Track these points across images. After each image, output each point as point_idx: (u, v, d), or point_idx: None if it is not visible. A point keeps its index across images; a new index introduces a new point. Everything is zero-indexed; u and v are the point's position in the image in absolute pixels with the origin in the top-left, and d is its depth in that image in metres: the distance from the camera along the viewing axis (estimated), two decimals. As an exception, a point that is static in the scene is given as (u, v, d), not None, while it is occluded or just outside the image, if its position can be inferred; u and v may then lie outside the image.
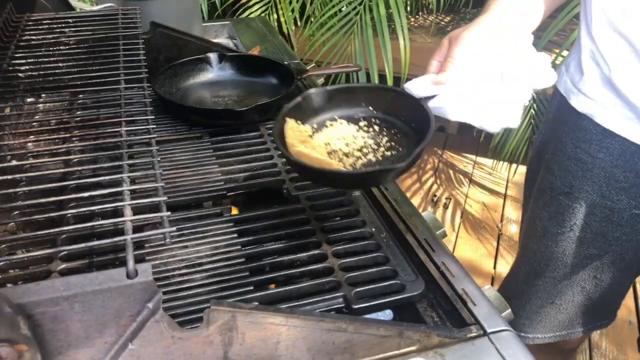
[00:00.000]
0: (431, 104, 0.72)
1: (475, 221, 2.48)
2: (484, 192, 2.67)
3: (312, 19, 2.41)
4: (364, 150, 0.77)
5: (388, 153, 0.76)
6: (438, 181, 2.75)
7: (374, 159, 0.76)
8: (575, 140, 0.96)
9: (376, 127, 0.80)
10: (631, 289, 2.12)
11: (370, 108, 0.80)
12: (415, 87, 0.73)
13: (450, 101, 0.72)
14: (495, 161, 2.51)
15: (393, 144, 0.77)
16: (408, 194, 2.62)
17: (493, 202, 2.60)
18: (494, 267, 2.20)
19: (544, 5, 0.83)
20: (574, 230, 0.99)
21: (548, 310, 1.09)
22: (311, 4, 2.48)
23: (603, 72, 0.87)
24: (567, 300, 1.06)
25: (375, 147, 0.77)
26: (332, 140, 0.78)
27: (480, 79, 0.72)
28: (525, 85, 0.71)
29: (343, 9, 2.31)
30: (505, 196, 2.63)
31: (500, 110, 0.71)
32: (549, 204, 1.03)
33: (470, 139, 2.93)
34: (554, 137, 1.02)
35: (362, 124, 0.80)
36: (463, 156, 2.92)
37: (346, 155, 0.76)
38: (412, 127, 0.76)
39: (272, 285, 0.71)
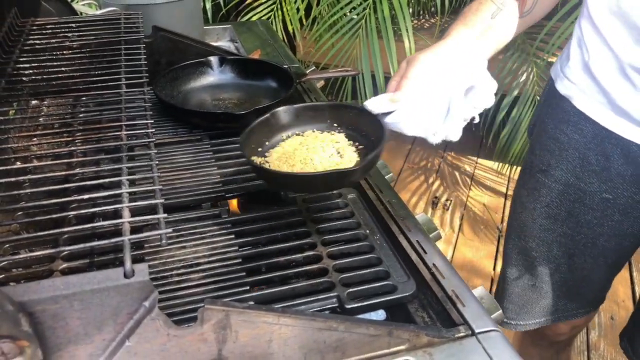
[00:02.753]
0: (388, 119, 0.78)
1: (476, 222, 2.49)
2: (485, 193, 2.68)
3: (319, 20, 2.43)
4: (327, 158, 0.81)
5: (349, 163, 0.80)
6: (441, 183, 2.76)
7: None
8: (556, 121, 1.01)
9: None
10: (629, 291, 2.13)
11: (335, 124, 0.86)
12: (373, 105, 0.79)
13: (404, 117, 0.78)
14: (500, 164, 2.53)
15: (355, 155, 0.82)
16: (410, 195, 2.64)
17: (494, 203, 2.61)
18: (494, 268, 2.22)
19: (503, 32, 0.88)
20: (550, 207, 1.04)
21: (529, 295, 1.13)
22: (318, 4, 2.50)
23: (584, 59, 0.93)
24: (545, 282, 1.10)
25: (338, 158, 0.81)
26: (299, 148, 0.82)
27: (431, 98, 0.78)
28: (469, 106, 0.78)
29: (348, 13, 2.33)
30: (506, 197, 2.65)
31: (445, 126, 0.78)
32: (528, 181, 1.08)
33: (472, 141, 2.94)
34: (540, 120, 1.07)
35: (320, 133, 0.85)
36: (465, 157, 2.94)
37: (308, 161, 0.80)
38: (371, 140, 0.82)
39: (262, 287, 0.73)
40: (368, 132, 0.83)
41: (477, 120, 0.78)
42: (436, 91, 0.77)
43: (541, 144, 1.05)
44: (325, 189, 0.86)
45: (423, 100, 0.78)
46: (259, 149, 0.83)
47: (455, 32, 0.83)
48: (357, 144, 0.83)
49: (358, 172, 0.75)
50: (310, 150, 0.80)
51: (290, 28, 2.53)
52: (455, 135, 0.77)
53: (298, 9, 2.51)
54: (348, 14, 2.35)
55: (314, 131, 0.85)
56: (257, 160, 0.80)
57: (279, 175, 0.77)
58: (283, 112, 0.85)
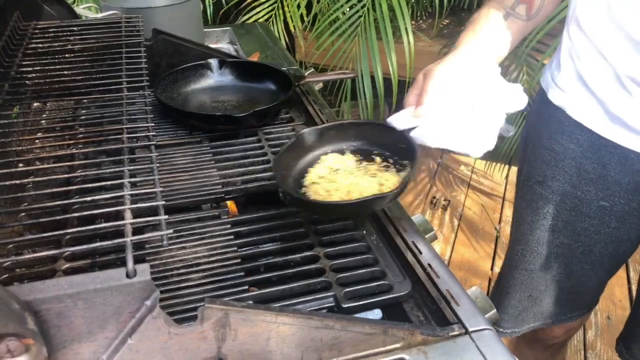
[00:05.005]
0: (413, 134, 0.80)
1: (474, 223, 2.51)
2: (483, 194, 2.70)
3: (320, 18, 2.44)
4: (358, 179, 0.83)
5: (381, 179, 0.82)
6: (438, 184, 2.77)
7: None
8: (550, 131, 1.01)
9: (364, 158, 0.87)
10: (626, 290, 2.15)
11: (359, 142, 0.88)
12: (397, 121, 0.81)
13: (429, 131, 0.79)
14: (489, 163, 2.55)
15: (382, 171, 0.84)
16: (408, 196, 2.65)
17: (492, 203, 2.63)
18: (492, 269, 2.23)
19: (510, 37, 0.90)
20: (547, 219, 1.04)
21: (525, 304, 1.14)
22: (318, 1, 2.51)
23: (576, 68, 0.93)
24: (541, 292, 1.11)
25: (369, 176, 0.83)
26: (329, 172, 0.84)
27: (455, 109, 0.79)
28: (497, 111, 0.78)
29: (347, 10, 2.34)
30: (503, 198, 2.66)
31: (476, 135, 0.78)
32: (526, 194, 1.08)
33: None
34: (534, 130, 1.08)
35: (354, 156, 0.87)
36: (462, 159, 2.95)
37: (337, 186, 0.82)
38: (399, 155, 0.84)
39: (253, 289, 0.75)
40: (393, 147, 0.84)
41: (511, 133, 0.80)
42: (458, 101, 0.79)
43: (536, 155, 1.04)
44: (367, 212, 0.86)
45: (446, 112, 0.78)
46: (292, 174, 0.84)
47: (464, 41, 0.85)
48: (382, 159, 0.85)
49: (395, 194, 0.76)
50: (347, 174, 0.83)
51: (291, 26, 2.54)
52: (491, 144, 0.78)
53: (299, 6, 2.52)
54: (347, 11, 2.36)
55: (343, 154, 0.87)
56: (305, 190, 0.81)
57: (319, 205, 0.79)
58: (308, 133, 0.86)
